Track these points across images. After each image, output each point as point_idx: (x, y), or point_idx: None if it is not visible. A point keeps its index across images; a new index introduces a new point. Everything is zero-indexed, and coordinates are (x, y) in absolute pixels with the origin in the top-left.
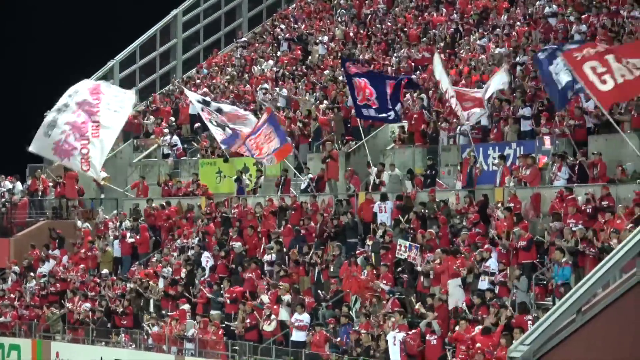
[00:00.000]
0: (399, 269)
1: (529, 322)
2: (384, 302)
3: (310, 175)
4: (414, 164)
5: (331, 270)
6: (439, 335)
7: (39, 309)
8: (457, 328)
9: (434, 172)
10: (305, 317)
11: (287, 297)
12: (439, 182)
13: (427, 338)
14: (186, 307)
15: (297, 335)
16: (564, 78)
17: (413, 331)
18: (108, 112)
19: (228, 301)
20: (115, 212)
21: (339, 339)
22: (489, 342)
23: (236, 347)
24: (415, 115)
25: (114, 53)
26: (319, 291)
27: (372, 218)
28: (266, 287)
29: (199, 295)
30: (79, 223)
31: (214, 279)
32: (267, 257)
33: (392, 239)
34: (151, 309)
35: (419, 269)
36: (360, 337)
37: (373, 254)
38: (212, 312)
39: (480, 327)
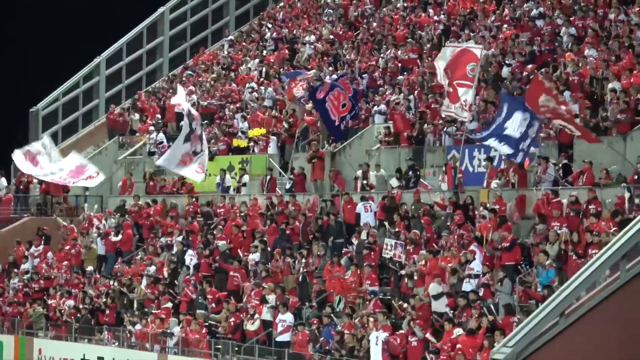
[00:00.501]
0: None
1: (514, 324)
2: (367, 302)
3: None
4: (400, 164)
5: (315, 270)
6: (420, 338)
7: (22, 305)
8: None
9: (417, 172)
10: (288, 317)
11: (271, 297)
12: (423, 183)
13: (408, 339)
14: (169, 305)
15: (280, 335)
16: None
17: (399, 332)
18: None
19: (214, 304)
20: (96, 207)
21: (322, 339)
22: (472, 343)
23: (219, 346)
24: (401, 115)
25: (100, 50)
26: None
27: (354, 219)
28: (248, 286)
29: (182, 295)
30: (60, 220)
31: (198, 278)
32: (251, 257)
33: (377, 239)
34: (135, 306)
35: (404, 270)
36: (343, 337)
37: (357, 255)
38: (198, 311)
39: (460, 330)
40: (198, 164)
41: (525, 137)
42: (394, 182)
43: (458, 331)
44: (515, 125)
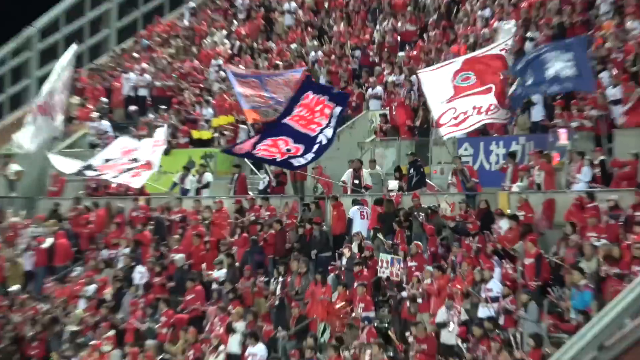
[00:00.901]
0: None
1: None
2: (360, 331)
3: (271, 173)
4: (400, 161)
5: (296, 292)
6: None
7: None
8: None
9: (421, 170)
10: (260, 350)
11: (240, 325)
12: (429, 183)
13: None
14: (112, 334)
15: None
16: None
17: None
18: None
19: (164, 329)
20: (23, 212)
21: None
22: None
23: None
24: (399, 102)
25: (31, 19)
26: (281, 333)
27: (344, 228)
28: (213, 312)
29: (129, 321)
30: None
31: (149, 300)
32: (216, 274)
33: (373, 253)
34: (66, 335)
35: (405, 292)
36: None
37: (347, 272)
38: (147, 342)
39: None
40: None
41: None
42: (392, 184)
43: None
44: (559, 64)
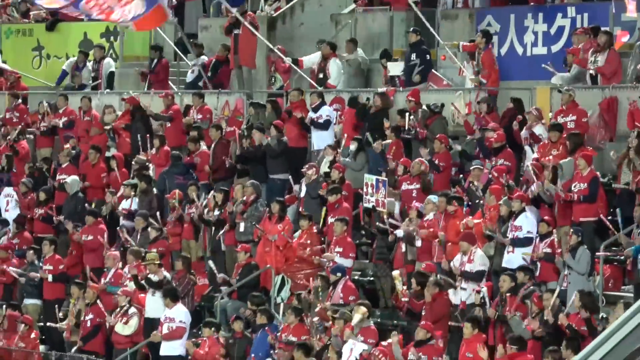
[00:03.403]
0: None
1: (597, 327)
2: (331, 287)
3: (204, 58)
4: (391, 41)
5: (240, 229)
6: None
7: None
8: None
9: (426, 55)
10: (179, 314)
11: (158, 277)
12: (435, 75)
13: (408, 357)
14: None
15: (167, 345)
16: None
17: (391, 340)
18: None
19: (50, 278)
20: None
21: (252, 355)
22: None
23: None
24: None
25: None
26: (211, 263)
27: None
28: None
29: None
30: None
31: (25, 241)
32: (123, 204)
33: (343, 173)
34: None
35: (398, 231)
36: (288, 350)
37: (309, 201)
38: (26, 301)
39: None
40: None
41: None
42: (394, 67)
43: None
44: None
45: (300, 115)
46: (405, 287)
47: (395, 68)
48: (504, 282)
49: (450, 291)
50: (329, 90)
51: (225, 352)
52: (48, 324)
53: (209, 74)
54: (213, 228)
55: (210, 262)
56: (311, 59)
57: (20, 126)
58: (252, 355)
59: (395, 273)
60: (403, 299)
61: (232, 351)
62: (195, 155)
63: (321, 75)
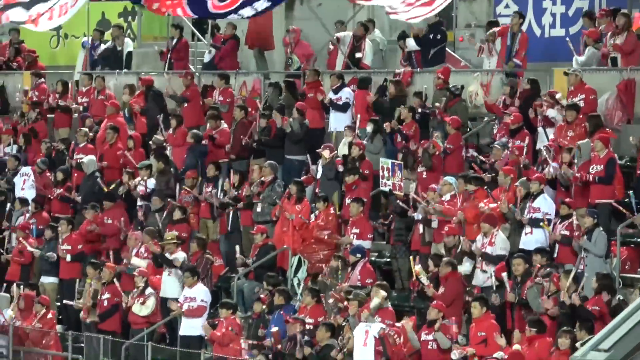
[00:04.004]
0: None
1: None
2: (350, 268)
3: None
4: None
5: (257, 209)
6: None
7: None
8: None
9: (439, 36)
10: (199, 293)
11: (178, 256)
12: (452, 56)
13: (421, 337)
14: None
15: (187, 325)
16: None
17: (404, 321)
18: None
19: (68, 258)
20: None
21: (267, 340)
22: (542, 344)
23: (81, 345)
24: None
25: None
26: (237, 248)
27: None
28: (139, 238)
29: (14, 250)
30: None
31: (43, 221)
32: (140, 185)
33: (363, 150)
34: None
35: (417, 213)
36: (304, 329)
37: (325, 183)
38: (43, 279)
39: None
40: None
41: None
42: (410, 42)
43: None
44: None
45: (319, 97)
46: (428, 284)
47: (412, 43)
48: (519, 266)
49: (477, 272)
50: (347, 71)
51: (241, 329)
52: (64, 301)
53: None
54: (231, 208)
55: (237, 248)
56: (344, 36)
57: (39, 108)
58: (269, 333)
59: (418, 268)
60: (428, 293)
61: (248, 331)
62: (215, 133)
63: (358, 55)
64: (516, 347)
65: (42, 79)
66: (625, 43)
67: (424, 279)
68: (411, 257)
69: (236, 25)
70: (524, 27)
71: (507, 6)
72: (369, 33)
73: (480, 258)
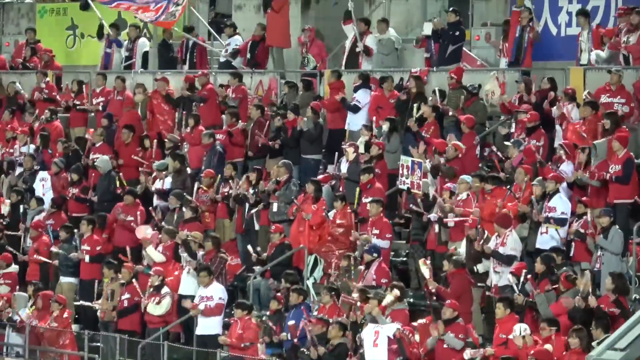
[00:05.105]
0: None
1: (630, 308)
2: (362, 267)
3: (238, 39)
4: (423, 22)
5: (273, 209)
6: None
7: None
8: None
9: (457, 32)
10: (216, 292)
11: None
12: (469, 55)
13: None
14: (13, 269)
15: (204, 324)
16: None
17: (421, 321)
18: None
19: (87, 259)
20: None
21: (283, 333)
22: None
23: (98, 344)
24: None
25: None
26: (249, 247)
27: (345, 119)
28: (158, 236)
29: (31, 250)
30: None
31: (60, 222)
32: (158, 184)
33: (383, 150)
34: None
35: (432, 214)
36: (321, 328)
37: (348, 183)
38: (62, 279)
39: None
40: None
41: None
42: (427, 26)
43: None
44: None
45: (340, 97)
46: (430, 276)
47: (428, 28)
48: (537, 265)
49: (491, 272)
50: (365, 70)
51: (259, 329)
52: (81, 302)
53: (248, 55)
54: (247, 207)
55: (249, 247)
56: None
57: (51, 107)
58: (284, 333)
59: (420, 262)
60: (430, 287)
61: (266, 330)
62: (232, 131)
63: (360, 48)
64: (547, 346)
65: (47, 78)
66: (638, 42)
67: (426, 272)
68: (421, 260)
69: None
70: (540, 26)
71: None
72: (379, 31)
73: (491, 257)
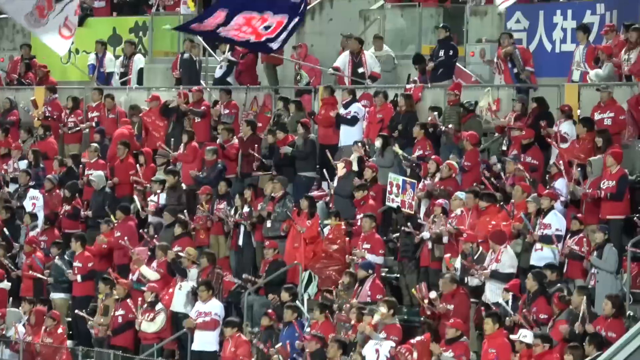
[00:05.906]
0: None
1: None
2: (358, 284)
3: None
4: (420, 38)
5: (267, 225)
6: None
7: None
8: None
9: (450, 52)
10: (214, 308)
11: (191, 272)
12: (463, 72)
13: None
14: (5, 285)
15: (200, 340)
16: None
17: (419, 338)
18: None
19: (79, 279)
20: None
21: (272, 349)
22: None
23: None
24: None
25: None
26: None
27: (338, 135)
28: (148, 253)
29: (25, 266)
30: None
31: (53, 238)
32: (152, 199)
33: (377, 172)
34: None
35: (424, 232)
36: (316, 345)
37: (338, 198)
38: (53, 295)
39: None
40: (64, 19)
41: None
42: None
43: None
44: None
45: (332, 113)
46: (427, 301)
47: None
48: (528, 282)
49: (486, 288)
50: (359, 86)
51: (251, 350)
52: (76, 311)
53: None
54: (243, 223)
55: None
56: (341, 60)
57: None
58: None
59: (414, 290)
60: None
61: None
62: (227, 146)
63: (360, 70)
64: None
65: (56, 95)
66: (638, 59)
67: (432, 294)
68: (414, 288)
69: None
70: (535, 43)
71: (517, 21)
72: (375, 47)
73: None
